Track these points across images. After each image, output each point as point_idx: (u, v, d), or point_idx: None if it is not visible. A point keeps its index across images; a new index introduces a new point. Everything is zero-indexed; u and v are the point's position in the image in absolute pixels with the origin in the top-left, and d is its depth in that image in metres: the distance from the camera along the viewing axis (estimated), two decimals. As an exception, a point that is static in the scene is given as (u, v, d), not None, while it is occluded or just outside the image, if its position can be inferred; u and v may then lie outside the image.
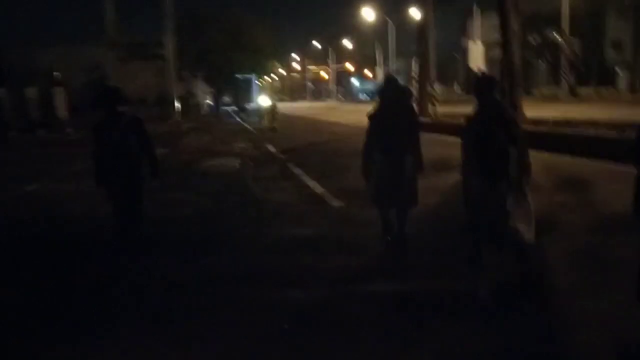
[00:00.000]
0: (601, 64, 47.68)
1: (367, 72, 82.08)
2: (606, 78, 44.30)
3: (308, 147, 17.79)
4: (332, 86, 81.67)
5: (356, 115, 37.76)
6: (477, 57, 24.46)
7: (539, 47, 49.10)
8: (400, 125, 5.39)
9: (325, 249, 5.95)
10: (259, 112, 31.84)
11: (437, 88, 25.30)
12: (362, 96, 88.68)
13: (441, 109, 22.70)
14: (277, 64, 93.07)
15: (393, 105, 5.46)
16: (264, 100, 30.51)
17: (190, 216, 7.98)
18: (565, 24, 36.44)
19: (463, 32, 62.84)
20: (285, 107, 58.92)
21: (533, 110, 17.30)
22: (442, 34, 67.27)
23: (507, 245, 4.54)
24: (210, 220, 7.70)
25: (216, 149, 18.13)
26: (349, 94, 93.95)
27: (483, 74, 6.10)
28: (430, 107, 22.52)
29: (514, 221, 4.45)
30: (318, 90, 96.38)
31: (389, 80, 5.83)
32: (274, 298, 4.60)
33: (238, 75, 61.13)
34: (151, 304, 4.63)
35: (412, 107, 5.81)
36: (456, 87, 61.84)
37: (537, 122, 15.52)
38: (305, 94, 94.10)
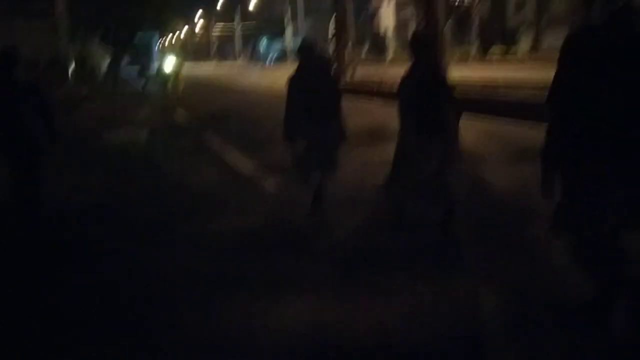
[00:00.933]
0: (504, 24, 48.44)
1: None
2: (511, 39, 45.14)
3: (222, 113, 16.49)
4: (239, 46, 78.79)
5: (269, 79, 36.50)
6: (388, 17, 23.40)
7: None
8: (322, 91, 5.33)
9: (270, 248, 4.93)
10: (162, 76, 29.39)
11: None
12: (269, 60, 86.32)
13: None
14: (180, 22, 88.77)
15: (313, 71, 5.40)
16: (170, 63, 28.26)
17: (95, 206, 6.67)
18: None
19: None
20: (191, 69, 56.37)
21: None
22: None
23: (437, 199, 4.68)
24: (117, 213, 6.37)
25: (120, 117, 16.40)
26: (256, 55, 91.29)
27: (419, 31, 5.74)
28: (349, 71, 21.60)
29: (445, 177, 4.56)
30: (224, 51, 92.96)
31: (308, 44, 5.69)
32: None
33: (140, 33, 56.90)
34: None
35: (332, 73, 5.84)
36: (365, 49, 61.23)
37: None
38: (210, 54, 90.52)
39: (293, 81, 5.40)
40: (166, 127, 14.04)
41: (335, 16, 22.44)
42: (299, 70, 5.44)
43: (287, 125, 5.42)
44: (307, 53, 5.55)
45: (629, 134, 2.73)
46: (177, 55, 31.87)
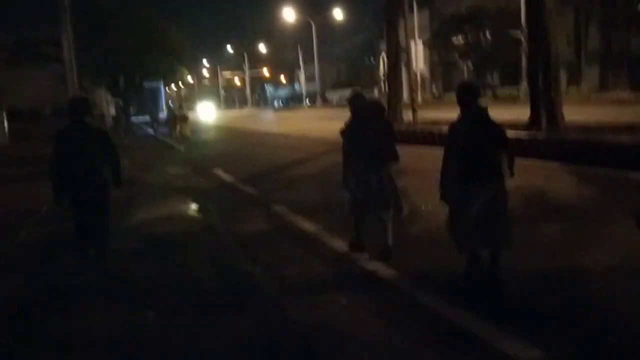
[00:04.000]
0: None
1: (282, 78, 77.69)
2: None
3: (273, 171, 12.94)
4: (248, 93, 76.21)
5: (288, 122, 33.66)
6: (419, 57, 19.97)
7: (464, 47, 46.56)
8: (377, 136, 5.35)
9: None
10: (170, 121, 27.16)
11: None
12: (277, 103, 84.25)
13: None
14: (186, 71, 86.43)
15: (368, 120, 5.44)
16: (206, 109, 26.95)
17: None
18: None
19: (380, 34, 60.15)
20: (200, 117, 53.49)
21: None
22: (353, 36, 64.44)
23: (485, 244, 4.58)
24: None
25: (145, 180, 12.83)
26: (263, 101, 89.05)
27: (464, 81, 5.69)
28: (406, 113, 18.24)
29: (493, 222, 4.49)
30: (231, 98, 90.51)
31: (358, 94, 5.71)
32: None
33: (147, 82, 54.81)
34: None
35: (388, 120, 5.92)
36: (376, 92, 58.46)
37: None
38: (218, 102, 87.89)
39: (348, 132, 5.46)
40: (212, 188, 10.57)
41: (387, 57, 19.22)
42: (354, 120, 5.48)
43: (346, 178, 5.48)
44: (360, 102, 5.58)
45: None
46: (183, 102, 30.30)
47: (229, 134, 29.57)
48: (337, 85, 66.39)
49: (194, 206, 9.16)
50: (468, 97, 4.50)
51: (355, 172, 5.37)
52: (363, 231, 5.53)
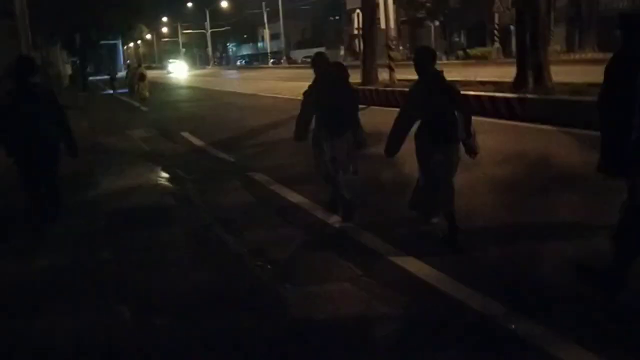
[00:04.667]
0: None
1: (245, 36, 75.37)
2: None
3: (246, 135, 12.07)
4: (209, 52, 73.70)
5: (254, 82, 32.40)
6: (389, 15, 18.66)
7: (431, 6, 45.66)
8: (342, 101, 5.31)
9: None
10: (129, 81, 25.76)
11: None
12: (239, 62, 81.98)
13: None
14: (145, 28, 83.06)
15: (331, 81, 5.41)
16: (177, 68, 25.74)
17: None
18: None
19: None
20: (160, 76, 51.47)
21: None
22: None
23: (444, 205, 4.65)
24: None
25: (108, 145, 11.81)
26: (225, 60, 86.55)
27: (421, 47, 5.09)
28: (381, 74, 17.41)
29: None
30: (192, 57, 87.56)
31: (321, 56, 5.66)
32: None
33: (104, 41, 52.51)
34: None
35: (352, 86, 5.73)
36: (342, 53, 57.15)
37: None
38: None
39: (310, 93, 5.41)
40: (182, 154, 9.67)
41: (362, 13, 18.21)
42: (315, 82, 5.45)
43: (299, 129, 5.50)
44: (323, 64, 5.53)
45: None
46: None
47: (193, 94, 28.28)
48: (302, 44, 64.82)
49: (164, 174, 8.29)
50: (425, 62, 4.55)
51: (316, 136, 5.52)
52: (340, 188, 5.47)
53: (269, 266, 4.45)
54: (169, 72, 57.46)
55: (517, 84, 11.86)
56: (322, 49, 41.04)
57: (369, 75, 17.29)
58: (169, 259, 4.80)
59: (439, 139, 4.44)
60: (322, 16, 66.72)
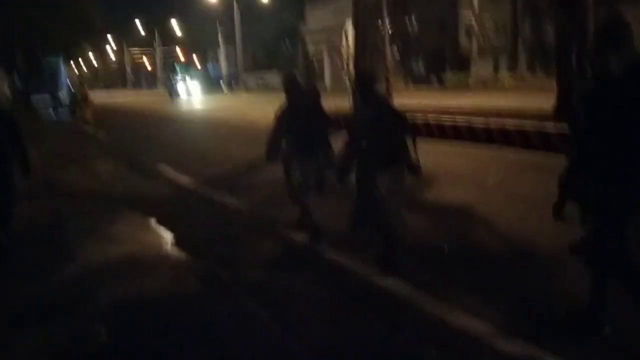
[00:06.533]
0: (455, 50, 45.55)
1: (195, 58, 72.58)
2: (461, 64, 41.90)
3: (241, 171, 9.80)
4: (159, 74, 70.20)
5: (219, 105, 29.83)
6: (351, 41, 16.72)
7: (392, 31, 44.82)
8: (313, 124, 5.29)
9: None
10: (74, 101, 23.81)
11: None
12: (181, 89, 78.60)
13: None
14: (88, 46, 78.62)
15: (303, 104, 5.34)
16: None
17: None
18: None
19: (301, 17, 57.39)
20: (108, 99, 47.94)
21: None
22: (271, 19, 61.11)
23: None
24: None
25: (71, 184, 9.29)
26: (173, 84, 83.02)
27: (363, 71, 5.91)
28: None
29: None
30: (138, 79, 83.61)
31: (292, 78, 5.64)
32: None
33: (46, 58, 49.12)
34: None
35: (324, 111, 5.61)
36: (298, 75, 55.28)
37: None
38: (123, 83, 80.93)
39: (281, 116, 5.35)
40: (170, 198, 7.35)
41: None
42: (289, 103, 5.35)
43: (270, 148, 5.36)
44: (293, 86, 5.44)
45: None
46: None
47: (156, 119, 25.37)
48: (253, 67, 62.69)
49: (162, 233, 5.94)
50: (370, 86, 4.56)
51: (288, 156, 5.50)
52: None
53: None
54: (175, 96, 45.09)
55: (558, 114, 10.12)
56: (274, 72, 39.10)
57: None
58: None
59: (387, 161, 4.40)
60: (273, 40, 65.18)
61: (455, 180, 7.74)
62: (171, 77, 53.06)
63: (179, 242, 5.57)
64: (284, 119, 5.30)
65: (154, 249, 5.41)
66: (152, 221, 6.35)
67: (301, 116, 5.25)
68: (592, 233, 3.12)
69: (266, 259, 5.01)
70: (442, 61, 43.26)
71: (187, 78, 52.13)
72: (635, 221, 2.98)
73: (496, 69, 32.96)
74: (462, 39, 45.31)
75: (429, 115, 12.77)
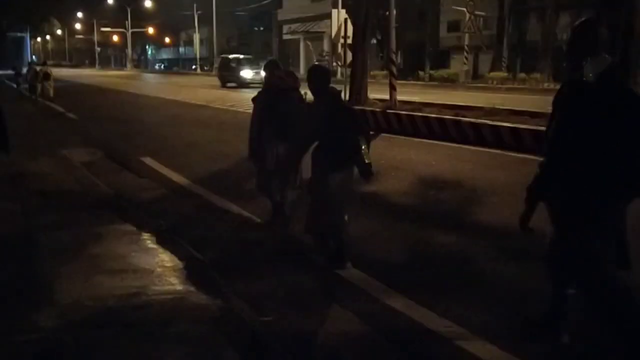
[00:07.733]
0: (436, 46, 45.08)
1: (167, 39, 70.30)
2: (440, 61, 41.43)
3: (240, 165, 8.59)
4: (129, 52, 67.51)
5: (192, 90, 28.32)
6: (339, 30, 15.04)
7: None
8: (291, 112, 5.08)
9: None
10: (35, 77, 22.39)
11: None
12: (158, 66, 76.38)
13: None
14: (57, 22, 75.35)
15: (281, 92, 5.21)
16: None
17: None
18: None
19: (278, 5, 56.07)
20: (72, 75, 45.59)
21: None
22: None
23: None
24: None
25: (42, 178, 7.92)
26: (143, 63, 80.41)
27: (318, 66, 4.95)
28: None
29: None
30: (107, 57, 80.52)
31: (274, 64, 5.58)
32: None
33: (10, 34, 46.92)
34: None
35: (304, 101, 5.39)
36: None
37: None
38: (92, 60, 77.72)
39: (259, 102, 5.31)
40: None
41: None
42: (268, 90, 5.34)
43: (252, 146, 5.36)
44: (275, 72, 5.41)
45: (620, 179, 2.82)
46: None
47: (126, 100, 23.78)
48: (226, 52, 60.91)
49: (164, 256, 4.57)
50: (324, 81, 4.39)
51: (261, 143, 5.28)
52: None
53: None
54: (244, 80, 30.89)
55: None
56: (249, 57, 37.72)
57: (358, 94, 14.16)
58: None
59: (339, 162, 4.22)
60: (249, 25, 63.68)
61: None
62: (140, 57, 51.12)
63: (187, 267, 4.31)
64: (262, 104, 5.25)
65: (153, 276, 4.14)
66: (145, 236, 5.07)
67: (282, 102, 5.14)
68: (553, 241, 3.04)
69: (309, 302, 3.86)
70: (420, 56, 42.64)
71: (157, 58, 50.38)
72: (598, 230, 2.89)
73: (476, 66, 32.38)
74: (444, 34, 44.66)
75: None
